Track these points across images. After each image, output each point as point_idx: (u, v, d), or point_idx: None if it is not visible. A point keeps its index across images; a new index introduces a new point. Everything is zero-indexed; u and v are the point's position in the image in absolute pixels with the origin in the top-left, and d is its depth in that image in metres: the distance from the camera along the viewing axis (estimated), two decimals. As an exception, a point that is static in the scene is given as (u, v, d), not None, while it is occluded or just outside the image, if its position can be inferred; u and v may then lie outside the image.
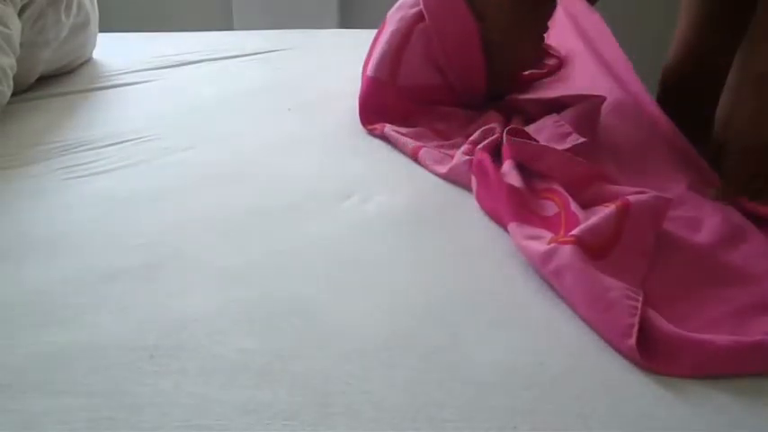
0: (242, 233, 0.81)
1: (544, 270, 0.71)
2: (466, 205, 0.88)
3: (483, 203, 0.87)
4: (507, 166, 0.87)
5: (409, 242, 0.80)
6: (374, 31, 1.19)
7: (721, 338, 0.61)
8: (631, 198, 0.77)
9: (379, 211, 0.86)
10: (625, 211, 0.75)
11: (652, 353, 0.61)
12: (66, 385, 0.58)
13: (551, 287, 0.71)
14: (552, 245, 0.71)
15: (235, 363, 0.60)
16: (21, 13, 1.19)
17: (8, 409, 0.55)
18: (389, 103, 1.10)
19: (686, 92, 1.28)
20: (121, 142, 1.05)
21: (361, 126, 1.11)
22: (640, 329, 0.62)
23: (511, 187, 0.83)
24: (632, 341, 0.61)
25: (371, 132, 1.08)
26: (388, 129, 1.06)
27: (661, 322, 0.63)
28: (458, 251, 0.78)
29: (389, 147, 1.05)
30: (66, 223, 0.83)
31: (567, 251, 0.70)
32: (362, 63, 1.17)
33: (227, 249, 0.78)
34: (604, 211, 0.75)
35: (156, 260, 0.75)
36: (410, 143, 1.02)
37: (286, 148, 1.04)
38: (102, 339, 0.63)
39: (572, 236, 0.72)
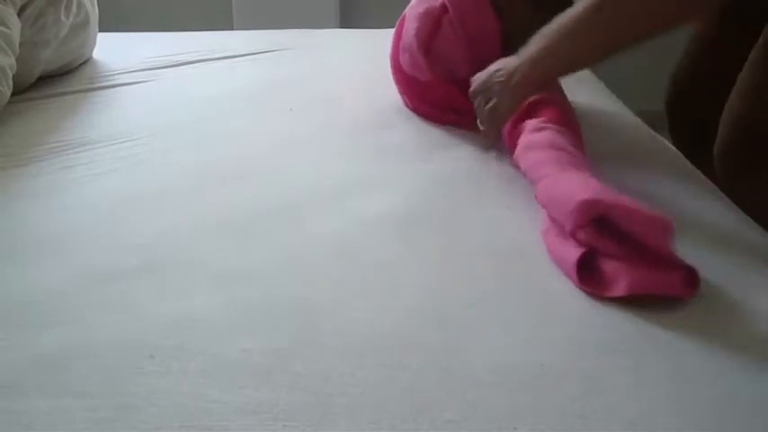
0: (242, 233, 0.81)
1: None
2: (466, 205, 0.88)
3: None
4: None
5: (409, 242, 0.80)
6: (374, 31, 1.19)
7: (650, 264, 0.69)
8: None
9: (379, 210, 0.86)
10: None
11: (596, 281, 0.70)
12: (66, 385, 0.58)
13: (553, 286, 0.71)
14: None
15: (235, 363, 0.60)
16: (20, 12, 1.19)
17: (8, 410, 0.55)
18: (444, 94, 1.12)
19: (694, 100, 1.28)
20: (121, 142, 1.05)
21: (360, 125, 1.11)
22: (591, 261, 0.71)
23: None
24: (574, 265, 0.70)
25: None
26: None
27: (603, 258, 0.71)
28: (458, 251, 0.78)
29: (390, 147, 1.05)
30: (66, 223, 0.83)
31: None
32: (391, 62, 1.18)
33: (227, 249, 0.78)
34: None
35: (156, 260, 0.75)
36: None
37: (287, 148, 1.04)
38: (102, 339, 0.63)
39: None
